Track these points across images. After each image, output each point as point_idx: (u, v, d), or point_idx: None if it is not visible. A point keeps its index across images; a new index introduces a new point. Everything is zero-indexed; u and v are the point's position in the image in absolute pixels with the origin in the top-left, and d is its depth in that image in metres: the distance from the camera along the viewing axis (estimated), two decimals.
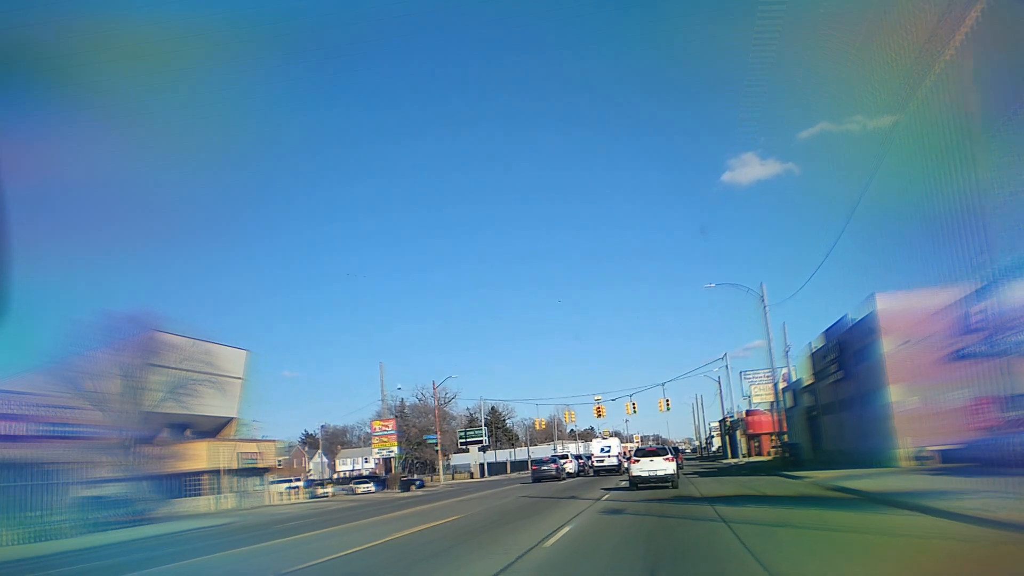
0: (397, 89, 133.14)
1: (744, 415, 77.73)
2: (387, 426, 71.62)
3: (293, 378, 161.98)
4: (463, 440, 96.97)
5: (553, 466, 47.82)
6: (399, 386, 71.27)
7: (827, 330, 39.83)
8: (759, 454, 76.16)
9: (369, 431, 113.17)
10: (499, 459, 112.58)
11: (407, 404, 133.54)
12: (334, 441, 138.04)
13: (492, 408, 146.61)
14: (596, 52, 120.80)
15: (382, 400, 73.31)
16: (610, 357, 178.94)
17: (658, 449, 30.45)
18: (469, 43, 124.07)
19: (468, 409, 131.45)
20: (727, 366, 67.48)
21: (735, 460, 69.18)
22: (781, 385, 72.93)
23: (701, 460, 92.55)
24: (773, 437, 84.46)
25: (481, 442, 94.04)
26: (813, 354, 44.01)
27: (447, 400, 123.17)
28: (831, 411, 41.23)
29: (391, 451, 71.48)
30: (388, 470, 74.60)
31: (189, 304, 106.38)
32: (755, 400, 69.03)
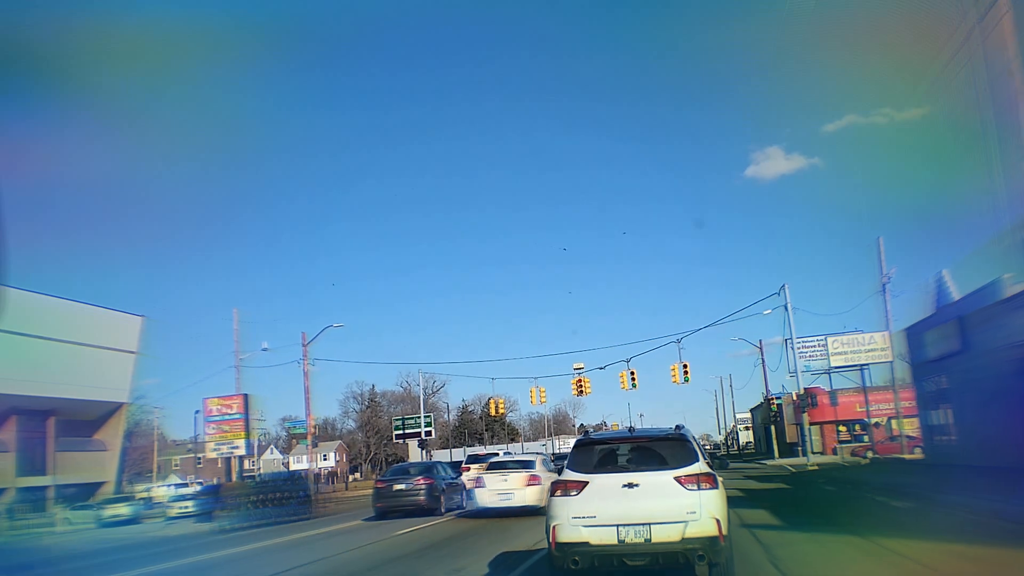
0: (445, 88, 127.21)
1: (796, 396, 49.95)
2: (230, 406, 44.21)
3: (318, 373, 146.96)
4: (399, 432, 70.51)
5: (421, 481, 20.28)
6: (264, 345, 49.83)
7: None
8: (819, 452, 49.30)
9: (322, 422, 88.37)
10: (455, 458, 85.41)
11: (378, 392, 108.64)
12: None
13: (490, 400, 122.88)
14: (615, 46, 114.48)
15: (236, 366, 45.82)
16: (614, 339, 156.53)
17: (643, 438, 7.21)
18: (481, 45, 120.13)
19: (464, 400, 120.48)
20: (787, 305, 39.43)
21: (793, 462, 41.62)
22: (873, 345, 45.03)
23: (732, 461, 64.08)
24: (841, 428, 57.14)
25: (419, 434, 67.44)
26: None
27: (435, 390, 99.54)
28: None
29: (236, 446, 44.21)
30: (232, 476, 47.25)
31: (189, 305, 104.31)
32: (834, 361, 41.10)
